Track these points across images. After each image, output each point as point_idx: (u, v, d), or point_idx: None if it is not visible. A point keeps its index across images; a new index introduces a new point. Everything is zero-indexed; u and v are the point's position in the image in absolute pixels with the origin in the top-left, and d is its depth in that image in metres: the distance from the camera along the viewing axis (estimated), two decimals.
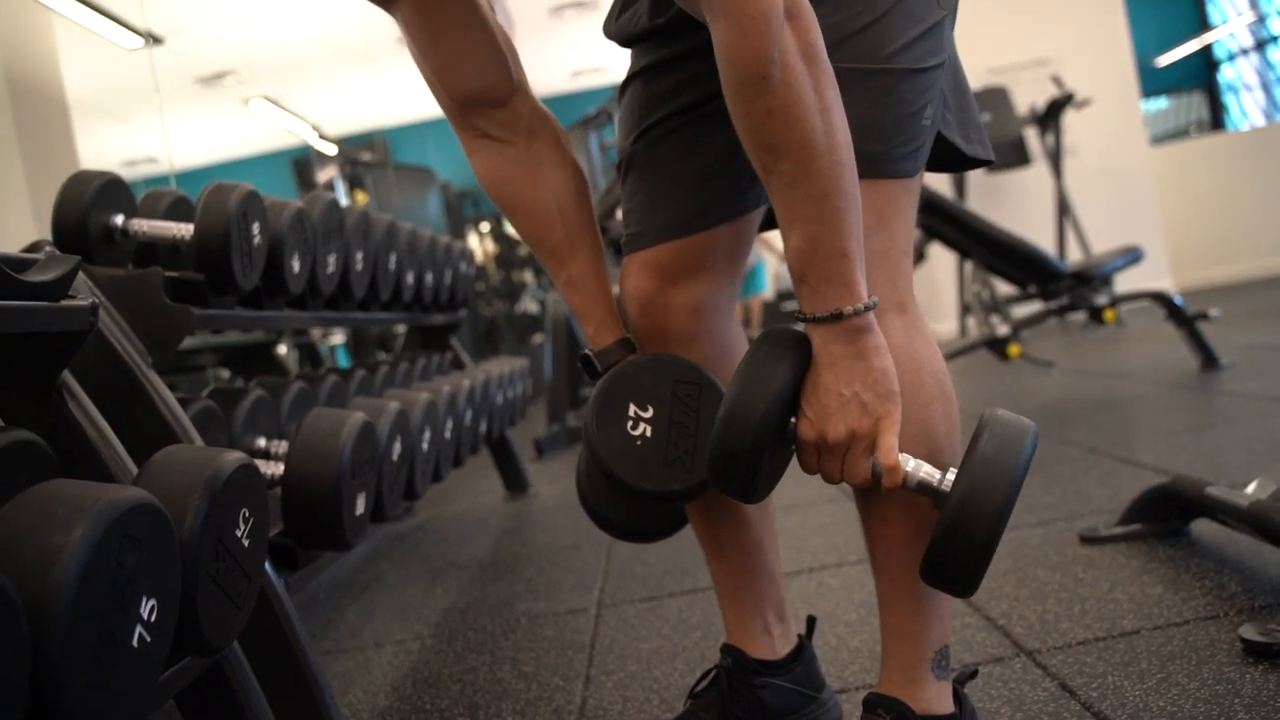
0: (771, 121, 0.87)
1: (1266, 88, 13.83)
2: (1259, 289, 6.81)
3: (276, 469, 1.62)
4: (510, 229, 11.04)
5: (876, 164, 1.00)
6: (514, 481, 3.48)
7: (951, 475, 0.94)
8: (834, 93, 0.89)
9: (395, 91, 10.98)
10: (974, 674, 1.16)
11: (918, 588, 1.05)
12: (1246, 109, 14.22)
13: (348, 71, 9.99)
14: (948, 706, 1.07)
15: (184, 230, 1.60)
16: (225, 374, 3.99)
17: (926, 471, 0.95)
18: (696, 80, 1.13)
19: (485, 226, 9.61)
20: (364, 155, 7.97)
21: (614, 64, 10.66)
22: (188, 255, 1.64)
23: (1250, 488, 1.61)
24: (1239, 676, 1.25)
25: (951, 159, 1.14)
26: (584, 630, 1.89)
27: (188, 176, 11.41)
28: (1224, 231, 7.80)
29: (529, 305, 10.05)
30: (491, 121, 1.16)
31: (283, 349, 4.26)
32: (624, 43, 1.22)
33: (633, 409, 1.10)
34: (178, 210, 1.73)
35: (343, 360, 7.66)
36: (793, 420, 0.97)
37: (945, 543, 0.91)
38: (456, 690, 1.69)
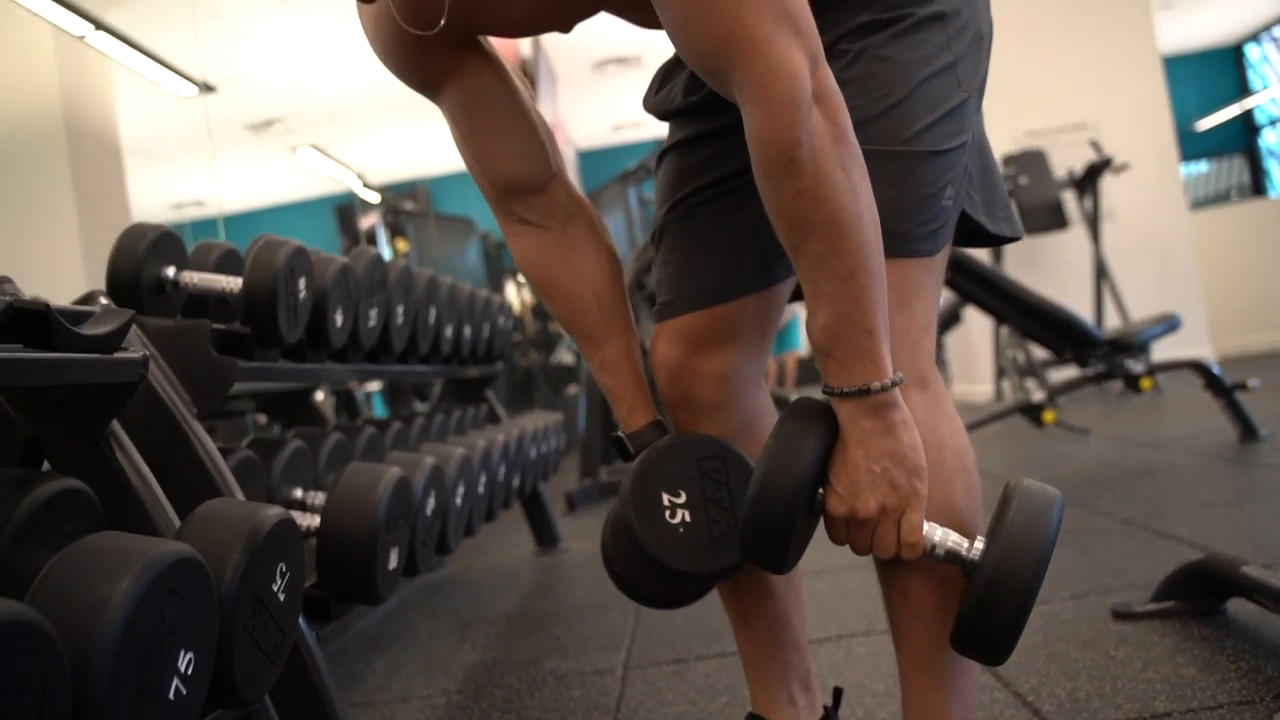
0: (800, 202, 0.90)
1: None
2: None
3: (312, 521, 1.65)
4: None
5: (898, 243, 1.02)
6: (545, 536, 3.49)
7: (980, 544, 0.95)
8: (861, 173, 0.91)
9: (438, 141, 11.16)
10: None
11: (939, 663, 1.05)
12: None
13: (392, 120, 10.20)
14: None
15: (233, 284, 1.65)
16: (263, 419, 4.04)
17: (954, 540, 0.96)
18: (728, 155, 1.16)
19: (523, 278, 9.68)
20: (406, 204, 8.10)
21: (654, 119, 10.78)
22: (235, 307, 1.68)
23: None
24: None
25: (977, 236, 1.16)
26: (610, 691, 1.89)
27: (235, 220, 11.65)
28: (1265, 298, 7.73)
29: (564, 356, 10.11)
30: (530, 207, 1.20)
31: (320, 396, 4.32)
32: (662, 117, 1.26)
33: (666, 498, 1.12)
34: (227, 263, 1.78)
35: (379, 407, 7.74)
36: (821, 492, 0.98)
37: (976, 615, 0.92)
38: None
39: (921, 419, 1.02)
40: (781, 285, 1.23)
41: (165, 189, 10.56)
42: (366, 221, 9.30)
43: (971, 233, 1.15)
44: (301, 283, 1.70)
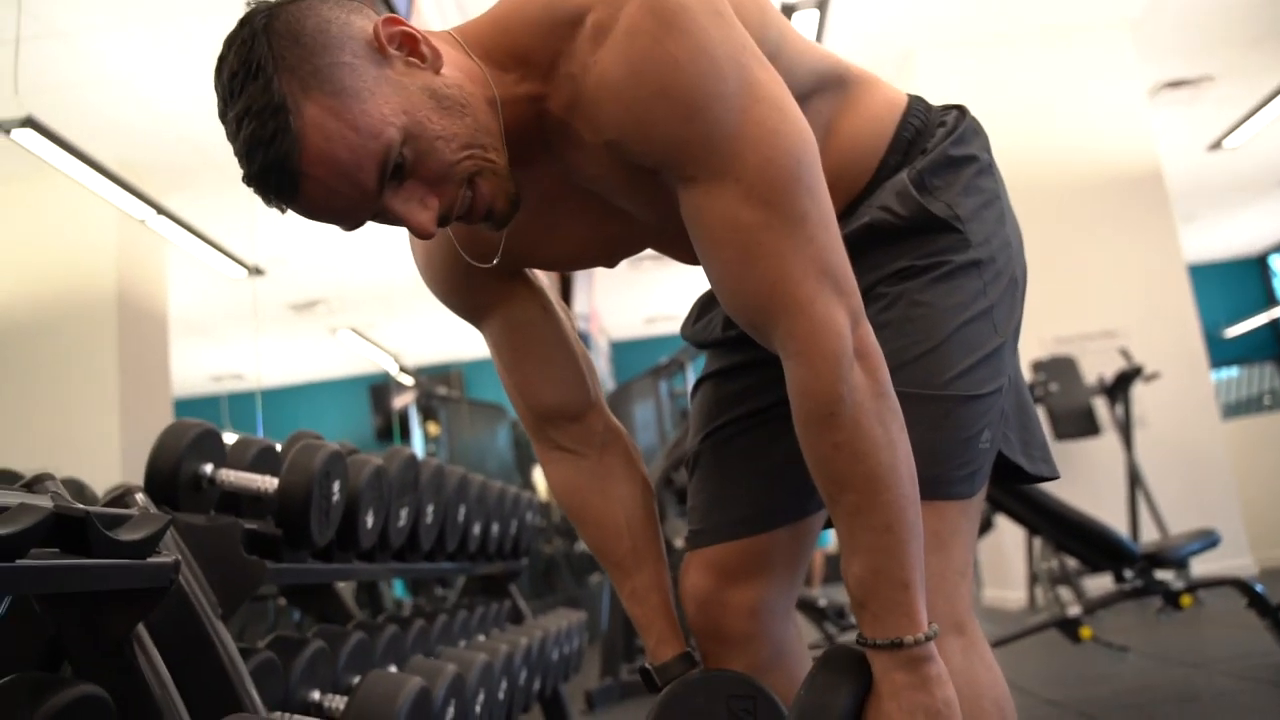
0: (839, 455, 0.92)
1: None
2: None
3: None
4: None
5: (934, 486, 1.03)
6: None
7: None
8: (900, 427, 0.93)
9: (471, 328, 11.44)
10: None
11: None
12: None
13: (430, 305, 10.41)
14: None
15: (269, 484, 1.67)
16: (283, 602, 4.00)
17: None
18: (766, 386, 1.19)
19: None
20: (440, 389, 8.23)
21: (685, 312, 11.02)
22: (268, 505, 1.69)
23: None
24: None
25: (1015, 474, 1.16)
26: None
27: (272, 394, 11.85)
28: None
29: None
30: (567, 434, 1.23)
31: (343, 584, 4.28)
32: (700, 346, 1.30)
33: None
34: (264, 460, 1.80)
35: (399, 589, 7.64)
36: None
37: None
38: None
39: (958, 666, 1.00)
40: (814, 517, 1.23)
41: (206, 361, 10.81)
42: (400, 402, 9.44)
43: (1009, 472, 1.16)
44: (336, 485, 1.72)
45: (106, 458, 5.88)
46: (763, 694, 1.12)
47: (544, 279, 1.27)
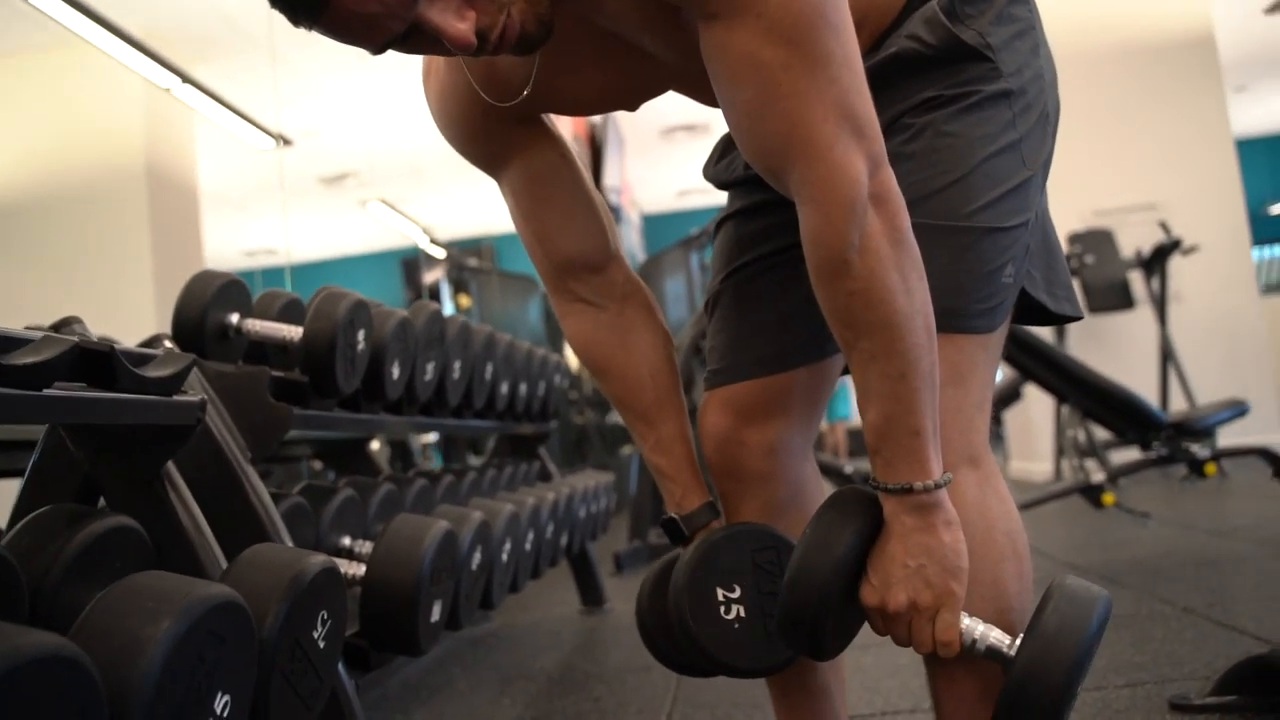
0: (853, 302, 0.91)
1: None
2: None
3: (358, 569, 1.65)
4: None
5: (953, 319, 1.02)
6: (590, 596, 3.47)
7: (1020, 643, 0.93)
8: (918, 275, 0.91)
9: (503, 200, 11.36)
10: None
11: None
12: None
13: (461, 178, 10.36)
14: None
15: (293, 333, 1.68)
16: (318, 465, 4.10)
17: (996, 637, 0.95)
18: (787, 225, 1.16)
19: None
20: (470, 260, 8.23)
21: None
22: (294, 356, 1.71)
23: None
24: None
25: (1038, 314, 1.15)
26: None
27: (303, 269, 11.91)
28: None
29: (619, 417, 10.11)
30: (587, 286, 1.21)
31: (375, 445, 4.37)
32: (722, 186, 1.27)
33: (721, 594, 1.10)
34: (290, 312, 1.82)
35: (436, 459, 7.79)
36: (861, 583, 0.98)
37: (1009, 709, 0.90)
38: None
39: (972, 499, 1.01)
40: (834, 358, 1.22)
41: (239, 236, 10.86)
42: (431, 276, 9.47)
43: (1032, 311, 1.14)
44: (361, 335, 1.73)
45: (140, 330, 5.94)
46: (784, 544, 1.13)
47: (573, 146, 1.24)
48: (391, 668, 2.83)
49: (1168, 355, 6.11)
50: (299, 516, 1.71)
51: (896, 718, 1.95)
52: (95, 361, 1.09)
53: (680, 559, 1.14)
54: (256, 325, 1.70)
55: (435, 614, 1.60)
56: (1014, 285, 1.06)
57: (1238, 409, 3.76)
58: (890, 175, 0.92)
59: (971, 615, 0.96)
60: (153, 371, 1.19)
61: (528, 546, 2.25)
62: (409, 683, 2.67)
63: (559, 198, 1.19)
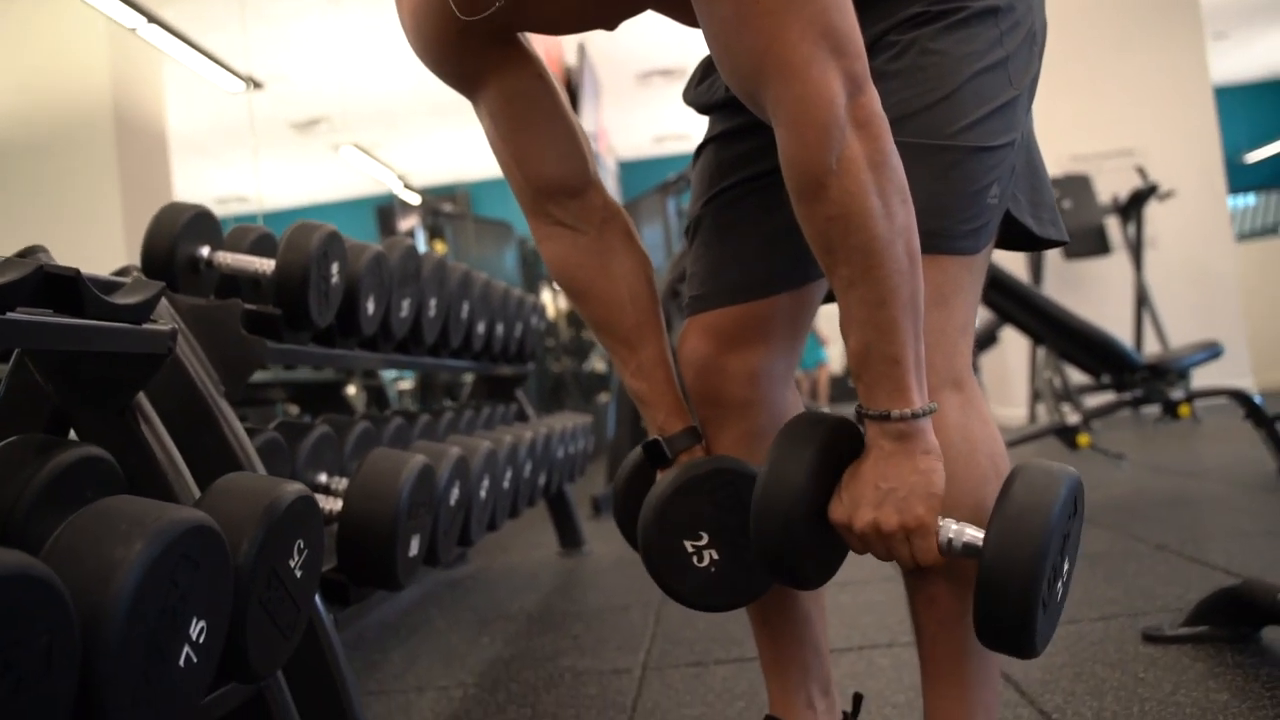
0: (830, 227, 0.89)
1: None
2: None
3: (335, 505, 1.64)
4: None
5: (937, 240, 1.00)
6: (568, 537, 3.47)
7: None
8: (901, 199, 0.89)
9: (479, 146, 11.22)
10: None
11: (964, 672, 1.03)
12: None
13: (435, 124, 10.27)
14: None
15: (265, 265, 1.65)
16: (294, 410, 4.06)
17: (970, 534, 0.93)
18: (768, 149, 1.14)
19: (558, 285, 9.71)
20: (445, 206, 8.14)
21: (696, 131, 10.81)
22: (267, 290, 1.68)
23: None
24: None
25: (1022, 239, 1.13)
26: (627, 691, 1.87)
27: (275, 217, 11.76)
28: None
29: (596, 364, 10.10)
30: (566, 210, 1.18)
31: (352, 390, 4.34)
32: (702, 110, 1.25)
33: (688, 546, 1.09)
34: (262, 246, 1.78)
35: (412, 405, 7.76)
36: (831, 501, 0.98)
37: (982, 601, 0.89)
38: None
39: (955, 421, 1.00)
40: (816, 284, 1.21)
41: (210, 183, 10.70)
42: (406, 223, 9.36)
43: (1016, 236, 1.13)
44: (334, 267, 1.70)
45: (108, 269, 5.83)
46: (741, 475, 1.10)
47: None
48: (369, 605, 2.83)
49: (1142, 300, 6.14)
50: (274, 452, 1.69)
51: (874, 651, 1.96)
52: (61, 286, 1.06)
53: (643, 512, 1.10)
54: (228, 258, 1.67)
55: (413, 549, 1.59)
56: (999, 206, 1.05)
57: (1212, 350, 3.78)
58: (873, 96, 0.89)
59: (944, 517, 0.95)
60: (121, 298, 1.17)
61: (506, 485, 2.24)
62: (387, 623, 2.67)
63: (537, 119, 1.16)
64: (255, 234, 1.79)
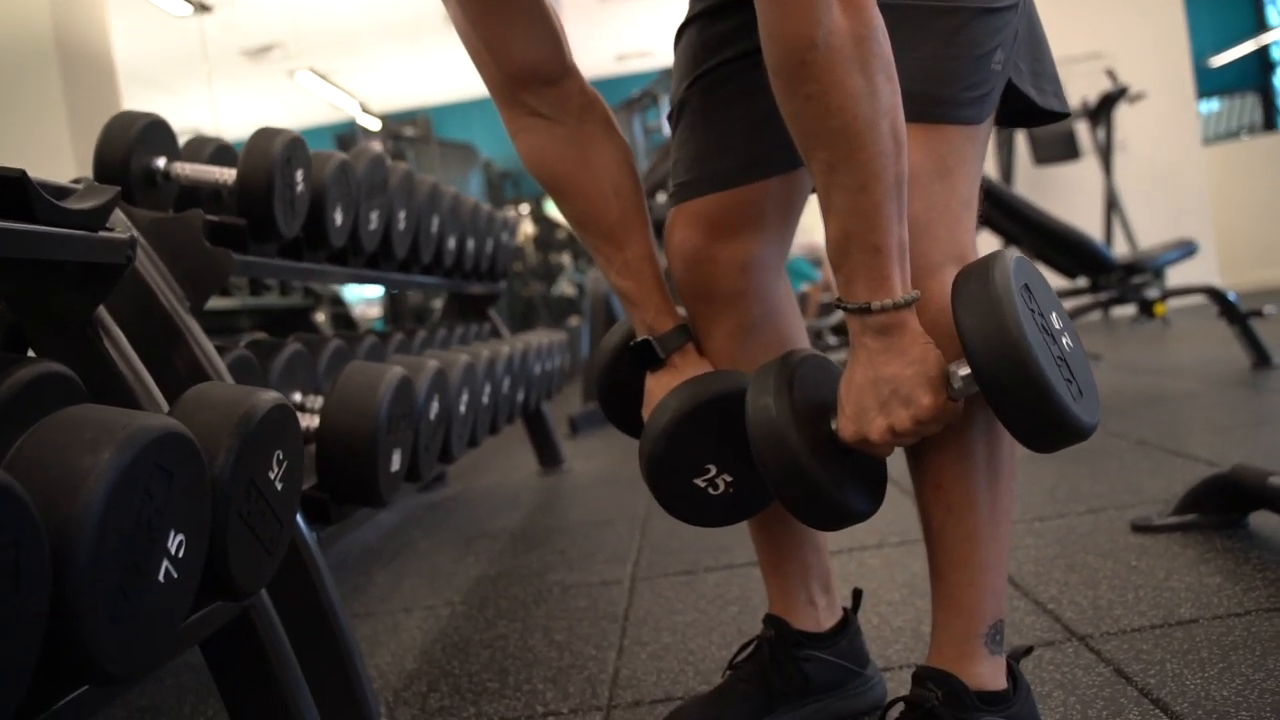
0: (810, 107, 0.83)
1: None
2: None
3: (311, 422, 1.59)
4: (553, 211, 11.03)
5: (941, 108, 0.95)
6: (548, 456, 3.45)
7: None
8: (886, 77, 0.84)
9: (440, 70, 10.98)
10: (1028, 650, 1.11)
11: (974, 558, 1.00)
12: None
13: (394, 49, 10.01)
14: (1001, 683, 1.02)
15: (227, 175, 1.57)
16: (263, 338, 3.99)
17: (962, 369, 0.89)
18: (752, 27, 1.08)
19: (525, 208, 9.60)
20: (407, 130, 7.97)
21: (659, 48, 10.60)
22: (230, 202, 1.61)
23: None
24: None
25: (1023, 112, 1.08)
26: (618, 602, 1.86)
27: None
28: (1276, 233, 7.62)
29: (566, 288, 10.02)
30: (542, 99, 1.11)
31: (320, 317, 4.26)
32: None
33: (699, 483, 1.05)
34: (222, 158, 1.70)
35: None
36: (833, 424, 0.94)
37: (998, 398, 0.85)
38: (486, 656, 1.66)
39: None
40: (806, 170, 1.16)
41: (163, 116, 10.40)
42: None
43: (1016, 111, 1.08)
44: (299, 175, 1.63)
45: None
46: (734, 393, 1.02)
47: None
48: (350, 526, 2.80)
49: (1112, 204, 6.13)
50: (245, 370, 1.63)
51: (865, 552, 1.95)
52: (7, 189, 0.99)
53: (644, 458, 1.05)
54: (186, 169, 1.59)
55: (395, 463, 1.55)
56: (1002, 74, 1.00)
57: (1187, 248, 3.78)
58: None
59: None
60: (75, 203, 1.10)
61: (485, 400, 2.20)
62: (369, 546, 2.64)
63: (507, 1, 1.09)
64: (214, 145, 1.71)
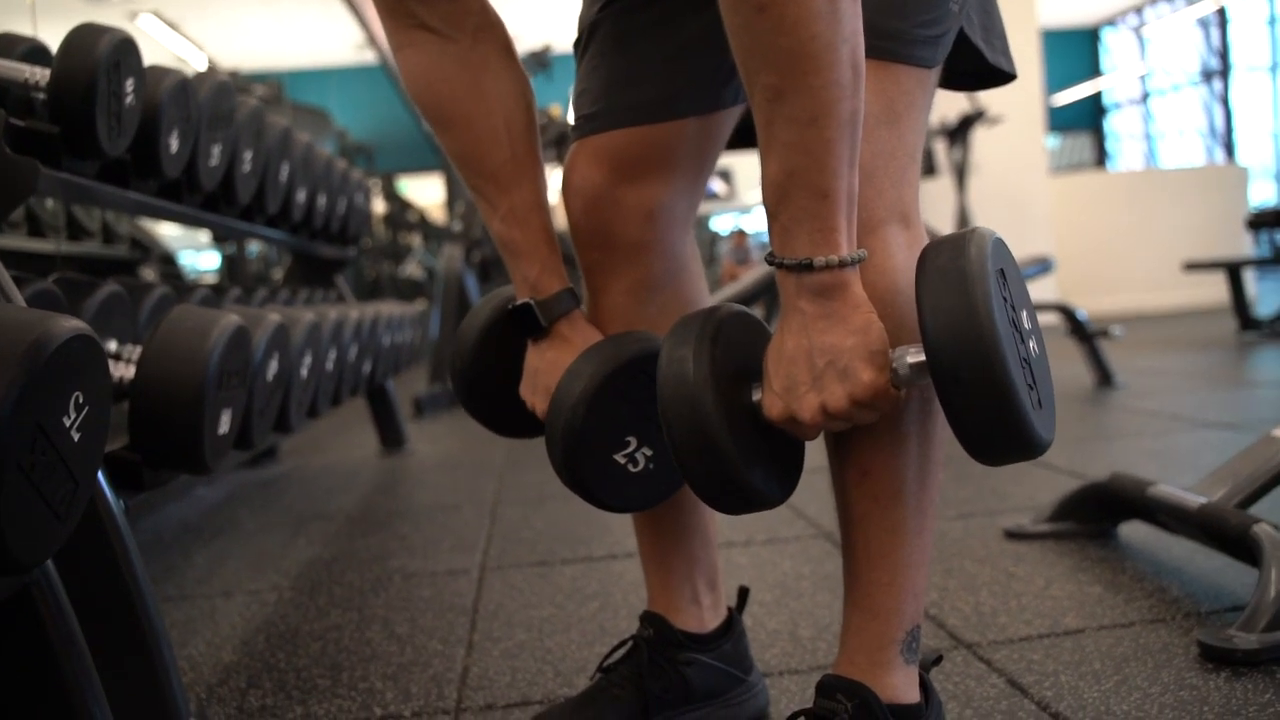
0: (761, 21, 0.69)
1: (1147, 137, 14.44)
2: (1140, 322, 6.97)
3: (127, 372, 1.37)
4: (404, 189, 10.67)
5: (893, 44, 0.84)
6: (390, 436, 3.24)
7: None
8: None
9: (296, 32, 10.49)
10: (938, 659, 1.02)
11: (897, 554, 0.89)
12: (1127, 155, 14.85)
13: (247, 5, 9.51)
14: (914, 695, 0.92)
15: (39, 75, 1.34)
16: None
17: (912, 353, 0.77)
18: None
19: (376, 184, 9.24)
20: (258, 89, 7.53)
21: (527, 32, 10.39)
22: (43, 111, 1.37)
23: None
24: (1203, 683, 1.13)
25: (969, 73, 0.98)
26: (465, 593, 1.70)
27: None
28: (1107, 264, 7.98)
29: (414, 270, 9.69)
30: (433, 10, 0.95)
31: (149, 274, 3.92)
32: None
33: (619, 458, 0.91)
34: (36, 59, 1.46)
35: None
36: (755, 396, 0.81)
37: (952, 398, 0.71)
38: (317, 649, 1.48)
39: (901, 264, 0.84)
40: (727, 113, 1.03)
41: None
42: None
43: (962, 74, 0.98)
44: (129, 85, 1.40)
45: None
46: (649, 357, 0.91)
47: None
48: (168, 495, 2.55)
49: (964, 221, 6.28)
50: (50, 308, 1.40)
51: (732, 550, 1.85)
52: None
53: (552, 425, 0.91)
54: None
55: (223, 425, 1.35)
56: (957, 18, 0.89)
57: (1044, 265, 3.85)
58: None
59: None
60: None
61: (329, 366, 1.99)
62: (188, 524, 2.39)
63: None
64: (27, 45, 1.47)
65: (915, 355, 0.76)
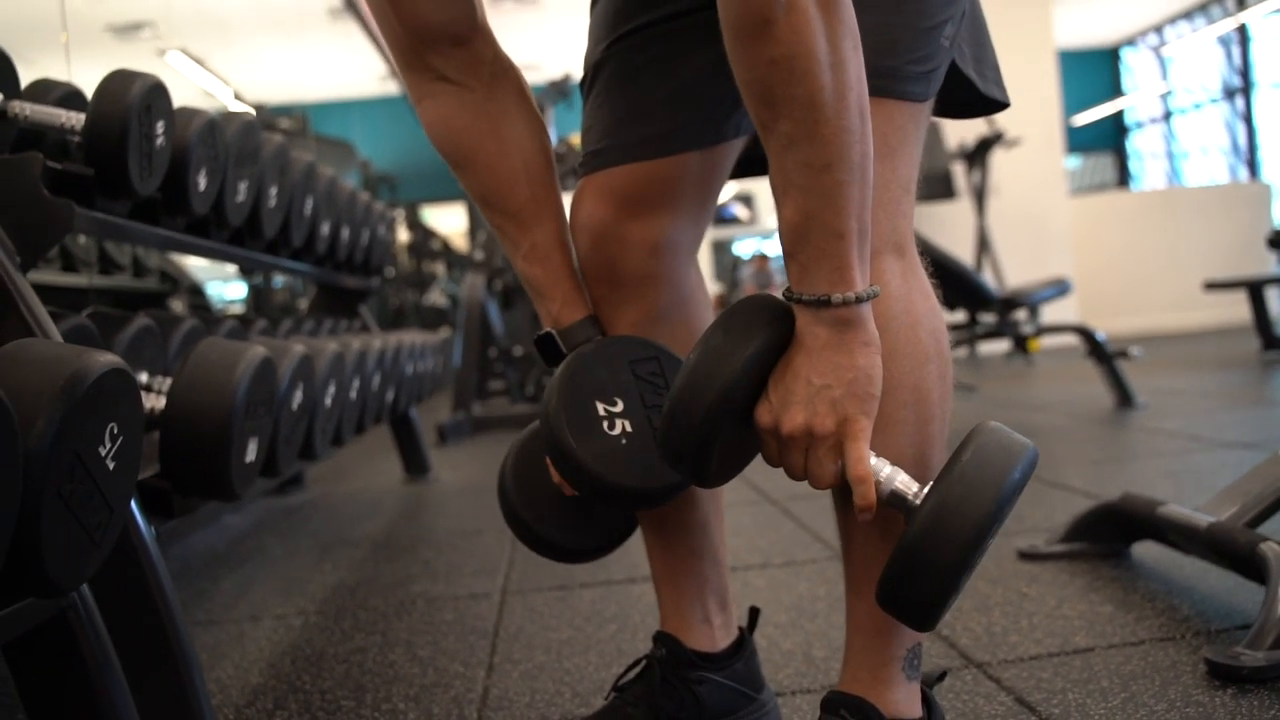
0: (773, 73, 0.74)
1: (1170, 156, 14.39)
2: (1161, 342, 6.94)
3: (157, 403, 1.42)
4: (427, 218, 10.78)
5: (886, 81, 0.88)
6: (414, 463, 3.28)
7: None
8: (853, 45, 0.75)
9: (320, 66, 10.65)
10: (942, 676, 1.04)
11: None
12: (1149, 174, 14.79)
13: (273, 39, 9.66)
14: (916, 711, 0.94)
15: (75, 119, 1.40)
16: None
17: (901, 482, 0.82)
18: None
19: (400, 214, 9.35)
20: (283, 123, 7.66)
21: (547, 62, 10.51)
22: (78, 154, 1.43)
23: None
24: (1209, 700, 1.15)
25: (962, 102, 1.02)
26: (487, 616, 1.73)
27: None
28: (1128, 285, 7.96)
29: (438, 298, 9.77)
30: (450, 61, 1.00)
31: (177, 306, 4.00)
32: None
33: (601, 408, 0.95)
34: (71, 103, 1.52)
35: None
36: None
37: (904, 562, 0.78)
38: (341, 671, 1.51)
39: (896, 291, 0.88)
40: (729, 146, 1.07)
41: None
42: None
43: (954, 103, 1.01)
44: (159, 127, 1.46)
45: None
46: (665, 354, 1.00)
47: None
48: (196, 523, 2.60)
49: (983, 244, 6.30)
50: (84, 341, 1.45)
51: (748, 573, 1.88)
52: None
53: (551, 380, 0.97)
54: (26, 108, 1.41)
55: (250, 453, 1.39)
56: (949, 51, 0.93)
57: (1061, 286, 3.87)
58: None
59: (877, 458, 0.83)
60: None
61: (353, 395, 2.04)
62: (216, 551, 2.44)
63: None
64: (63, 90, 1.53)
65: (902, 490, 0.82)
